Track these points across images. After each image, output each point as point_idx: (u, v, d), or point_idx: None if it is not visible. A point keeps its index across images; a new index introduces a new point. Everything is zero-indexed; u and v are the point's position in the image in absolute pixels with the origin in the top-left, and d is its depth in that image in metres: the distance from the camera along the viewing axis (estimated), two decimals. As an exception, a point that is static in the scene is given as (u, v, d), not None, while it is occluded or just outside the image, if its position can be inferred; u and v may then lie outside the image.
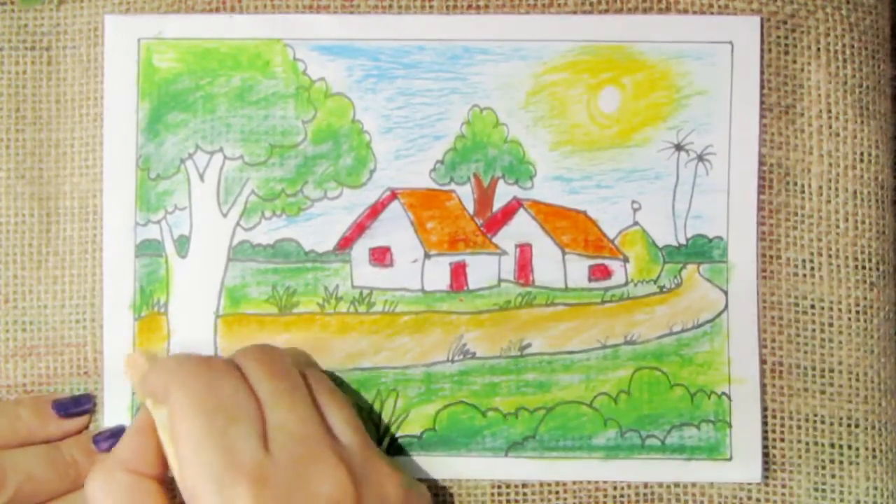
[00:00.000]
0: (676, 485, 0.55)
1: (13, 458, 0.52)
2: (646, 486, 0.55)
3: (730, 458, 0.55)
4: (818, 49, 0.56)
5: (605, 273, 0.56)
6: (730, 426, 0.55)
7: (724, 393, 0.55)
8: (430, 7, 0.56)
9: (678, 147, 0.56)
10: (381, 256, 0.56)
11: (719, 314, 0.56)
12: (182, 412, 0.46)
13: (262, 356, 0.50)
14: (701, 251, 0.56)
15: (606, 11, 0.56)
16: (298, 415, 0.47)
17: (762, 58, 0.56)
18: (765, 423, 0.55)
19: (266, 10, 0.56)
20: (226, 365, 0.49)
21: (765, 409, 0.55)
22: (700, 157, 0.56)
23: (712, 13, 0.56)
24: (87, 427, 0.55)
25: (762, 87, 0.56)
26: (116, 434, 0.54)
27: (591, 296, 0.56)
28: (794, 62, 0.56)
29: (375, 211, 0.56)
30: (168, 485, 0.49)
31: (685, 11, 0.56)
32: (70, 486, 0.53)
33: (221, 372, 0.48)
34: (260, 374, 0.48)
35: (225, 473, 0.44)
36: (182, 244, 0.56)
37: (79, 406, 0.55)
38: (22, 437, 0.53)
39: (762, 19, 0.56)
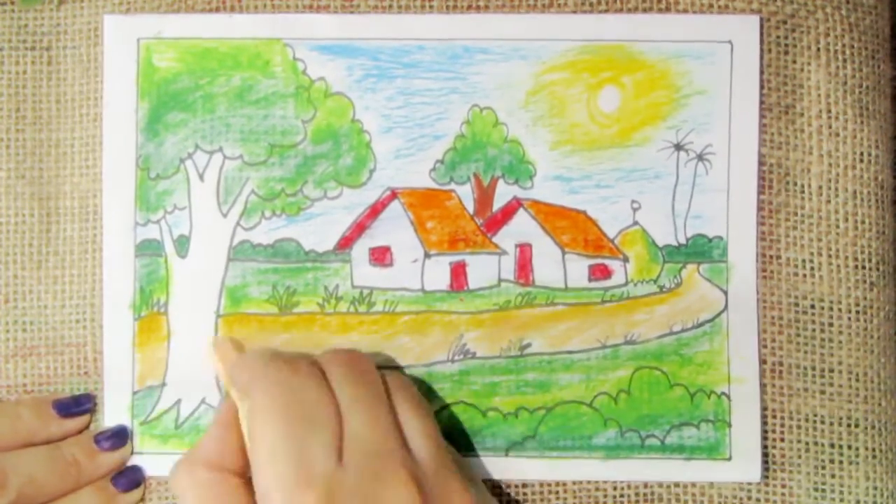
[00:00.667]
0: (676, 485, 0.55)
1: (14, 459, 0.52)
2: (646, 485, 0.55)
3: (729, 458, 0.55)
4: (818, 49, 0.56)
5: (605, 273, 0.56)
6: (729, 426, 0.55)
7: (723, 393, 0.55)
8: (430, 7, 0.56)
9: (678, 147, 0.56)
10: (381, 256, 0.56)
11: (719, 314, 0.56)
12: (262, 414, 0.46)
13: (348, 361, 0.50)
14: (701, 251, 0.56)
15: (606, 11, 0.56)
16: (375, 427, 0.47)
17: (762, 57, 0.56)
18: (765, 423, 0.55)
19: (266, 10, 0.56)
20: (310, 368, 0.49)
21: (765, 409, 0.55)
22: (700, 157, 0.56)
23: (712, 13, 0.56)
24: (87, 427, 0.55)
25: (762, 87, 0.56)
26: (118, 434, 0.54)
27: (591, 295, 0.56)
28: (794, 62, 0.56)
29: (375, 211, 0.56)
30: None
31: (685, 11, 0.56)
32: (72, 486, 0.53)
33: (305, 377, 0.48)
34: (342, 379, 0.48)
35: (296, 483, 0.44)
36: (182, 244, 0.56)
37: (79, 406, 0.55)
38: (23, 437, 0.53)
39: (762, 19, 0.56)
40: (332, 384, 0.48)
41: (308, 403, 0.46)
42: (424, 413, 0.50)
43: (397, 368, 0.55)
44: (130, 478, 0.55)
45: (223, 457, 0.49)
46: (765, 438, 0.55)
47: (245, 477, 0.49)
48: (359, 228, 0.56)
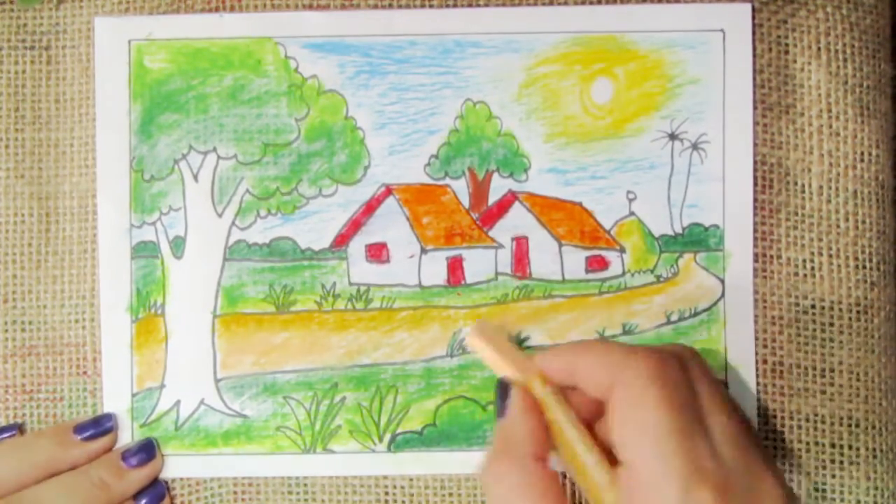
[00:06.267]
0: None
1: (35, 494, 0.51)
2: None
3: None
4: (818, 49, 0.56)
5: (602, 264, 0.56)
6: (728, 415, 0.55)
7: (721, 381, 0.55)
8: (430, 3, 0.56)
9: (672, 136, 0.56)
10: (377, 253, 0.56)
11: (716, 302, 0.56)
12: (652, 401, 0.45)
13: (698, 355, 0.49)
14: (697, 240, 0.56)
15: (598, 2, 0.56)
16: (737, 420, 0.46)
17: (755, 46, 0.56)
18: (765, 423, 0.55)
19: (266, 10, 0.56)
20: (678, 362, 0.47)
21: (765, 408, 0.55)
22: (694, 146, 0.56)
23: (703, 2, 0.56)
24: (112, 446, 0.55)
25: (762, 86, 0.56)
26: (145, 449, 0.54)
27: (589, 287, 0.56)
28: (795, 62, 0.56)
29: (371, 207, 0.56)
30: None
31: (676, 1, 0.56)
32: None
33: (678, 369, 0.47)
34: (700, 373, 0.47)
35: (693, 475, 0.43)
36: (177, 245, 0.56)
37: (99, 426, 0.54)
38: (44, 469, 0.52)
39: (753, 6, 0.55)
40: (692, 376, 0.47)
41: (685, 395, 0.46)
42: (727, 410, 0.48)
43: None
44: (153, 494, 0.54)
45: (538, 446, 0.47)
46: (765, 438, 0.55)
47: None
48: (354, 225, 0.56)
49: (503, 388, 0.50)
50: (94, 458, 0.54)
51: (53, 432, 0.54)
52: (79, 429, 0.54)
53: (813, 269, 0.56)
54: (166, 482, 0.55)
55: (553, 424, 0.48)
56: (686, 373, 0.47)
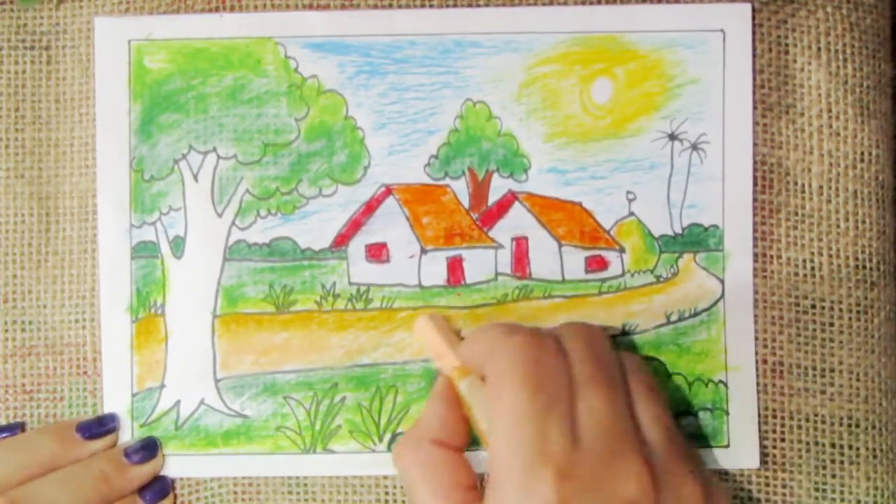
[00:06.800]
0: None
1: (36, 489, 0.51)
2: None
3: (728, 446, 0.55)
4: (818, 49, 0.56)
5: (602, 264, 0.56)
6: (727, 413, 0.55)
7: (721, 381, 0.55)
8: (429, 3, 0.56)
9: (672, 136, 0.56)
10: (377, 252, 0.56)
11: (716, 302, 0.56)
12: (507, 383, 0.46)
13: (587, 337, 0.49)
14: (697, 240, 0.56)
15: (598, 2, 0.56)
16: (611, 406, 0.46)
17: (755, 46, 0.56)
18: (765, 423, 0.55)
19: (265, 10, 0.56)
20: (553, 343, 0.48)
21: (765, 408, 0.55)
22: (694, 146, 0.56)
23: (703, 2, 0.56)
24: (114, 445, 0.55)
25: (762, 86, 0.56)
26: (147, 446, 0.54)
27: (588, 287, 0.56)
28: (795, 62, 0.56)
29: (371, 207, 0.56)
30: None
31: (676, 1, 0.56)
32: (103, 500, 0.52)
33: (549, 350, 0.47)
34: (582, 355, 0.48)
35: (535, 457, 0.44)
36: (177, 245, 0.56)
37: (103, 426, 0.54)
38: (46, 466, 0.52)
39: (753, 6, 0.55)
40: (570, 359, 0.47)
41: (551, 377, 0.46)
42: (658, 399, 0.49)
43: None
44: (157, 489, 0.54)
45: (446, 433, 0.49)
46: (765, 438, 0.55)
47: (463, 452, 0.49)
48: (354, 225, 0.56)
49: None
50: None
51: (56, 429, 0.54)
52: (81, 428, 0.54)
53: (813, 269, 0.56)
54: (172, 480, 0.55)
55: (469, 419, 0.50)
56: (560, 354, 0.47)
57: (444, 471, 0.48)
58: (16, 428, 0.55)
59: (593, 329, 0.50)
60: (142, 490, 0.54)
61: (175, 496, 0.55)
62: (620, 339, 0.55)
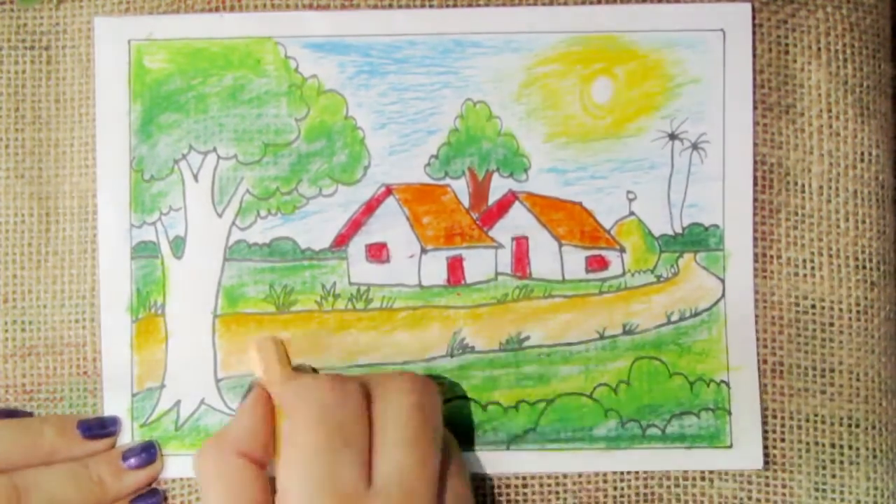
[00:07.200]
0: (676, 485, 0.55)
1: (36, 476, 0.51)
2: (646, 486, 0.55)
3: (730, 446, 0.55)
4: (818, 49, 0.56)
5: (602, 264, 0.56)
6: (729, 413, 0.55)
7: (722, 381, 0.55)
8: (429, 3, 0.56)
9: (672, 136, 0.56)
10: (377, 252, 0.56)
11: (717, 302, 0.56)
12: (302, 419, 0.47)
13: (411, 389, 0.49)
14: (697, 240, 0.56)
15: (598, 2, 0.56)
16: (421, 468, 0.47)
17: (755, 46, 0.56)
18: (765, 423, 0.55)
19: (265, 10, 0.56)
20: (354, 388, 0.49)
21: (765, 409, 0.55)
22: (694, 146, 0.56)
23: (703, 1, 0.56)
24: (113, 446, 0.55)
25: (762, 86, 0.56)
26: (146, 450, 0.54)
27: (589, 287, 0.56)
28: (795, 62, 0.56)
29: (371, 207, 0.56)
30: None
31: (676, 0, 0.56)
32: (96, 503, 0.52)
33: (352, 395, 0.48)
34: (408, 411, 0.48)
35: (321, 494, 0.44)
36: (178, 245, 0.56)
37: (104, 428, 0.54)
38: (45, 454, 0.52)
39: (753, 6, 0.56)
40: (377, 408, 0.48)
41: (347, 420, 0.47)
42: (468, 486, 0.50)
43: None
44: (149, 501, 0.54)
45: (252, 446, 0.49)
46: (765, 438, 0.55)
47: (266, 468, 0.49)
48: (355, 225, 0.56)
49: (249, 388, 0.52)
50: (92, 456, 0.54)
51: (57, 421, 0.54)
52: (83, 426, 0.54)
53: (813, 269, 0.56)
54: (164, 491, 0.55)
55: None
56: (362, 401, 0.48)
57: (243, 487, 0.48)
58: (25, 416, 0.55)
59: (428, 384, 0.51)
60: (134, 500, 0.54)
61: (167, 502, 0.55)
62: (621, 339, 0.55)
